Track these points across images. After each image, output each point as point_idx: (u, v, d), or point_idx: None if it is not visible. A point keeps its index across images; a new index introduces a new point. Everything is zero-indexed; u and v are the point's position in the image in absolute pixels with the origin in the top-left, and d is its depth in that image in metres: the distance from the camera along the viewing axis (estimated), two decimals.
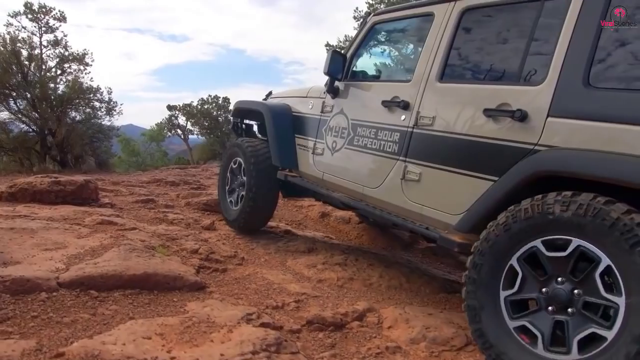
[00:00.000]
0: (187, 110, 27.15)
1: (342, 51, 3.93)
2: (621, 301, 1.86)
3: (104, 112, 13.28)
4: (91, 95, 12.80)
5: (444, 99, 2.99)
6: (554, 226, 2.08)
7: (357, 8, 14.98)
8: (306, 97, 4.40)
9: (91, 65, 12.73)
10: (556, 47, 2.37)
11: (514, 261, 2.22)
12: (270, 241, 4.56)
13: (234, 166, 4.73)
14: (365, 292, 3.51)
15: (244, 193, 4.46)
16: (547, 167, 2.25)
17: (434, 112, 2.97)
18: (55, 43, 12.58)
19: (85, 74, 12.65)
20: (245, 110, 5.06)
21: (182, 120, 30.18)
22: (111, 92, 13.00)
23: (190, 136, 31.32)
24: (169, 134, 31.99)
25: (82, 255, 3.23)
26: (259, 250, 4.29)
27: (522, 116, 2.40)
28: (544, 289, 2.14)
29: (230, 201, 4.83)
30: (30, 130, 11.36)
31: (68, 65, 12.45)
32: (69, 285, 2.72)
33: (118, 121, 13.60)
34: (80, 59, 12.56)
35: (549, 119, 2.32)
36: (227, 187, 4.89)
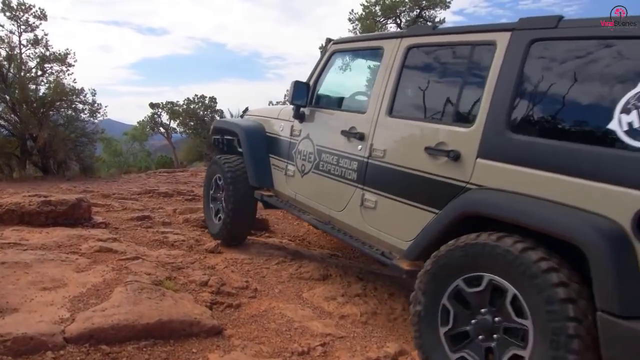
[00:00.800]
0: (171, 108, 26.50)
1: (307, 79, 4.07)
2: (529, 324, 2.08)
3: (87, 114, 12.74)
4: (74, 96, 12.25)
5: (393, 134, 3.12)
6: (468, 265, 2.31)
7: (352, 10, 14.83)
8: (277, 118, 4.51)
9: (74, 65, 12.17)
10: (484, 93, 2.52)
11: (445, 300, 2.41)
12: (280, 266, 4.30)
13: (215, 182, 4.94)
14: (391, 329, 3.29)
15: (224, 208, 4.67)
16: (471, 208, 2.44)
17: (385, 145, 3.12)
18: (36, 42, 12.00)
19: (68, 75, 12.10)
20: (222, 130, 5.22)
21: (165, 118, 29.55)
22: (95, 93, 12.47)
23: (173, 134, 30.71)
24: (152, 132, 31.30)
25: (85, 297, 2.93)
26: (271, 278, 4.03)
27: (455, 156, 2.58)
28: (472, 321, 2.31)
29: (213, 215, 5.01)
30: (10, 134, 10.82)
31: (49, 66, 11.88)
32: (77, 340, 2.43)
33: (100, 117, 12.98)
34: (62, 59, 12.00)
35: (478, 160, 2.48)
36: (210, 203, 5.07)
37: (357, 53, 4.01)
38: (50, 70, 12.04)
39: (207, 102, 24.87)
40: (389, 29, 14.85)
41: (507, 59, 2.46)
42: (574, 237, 2.00)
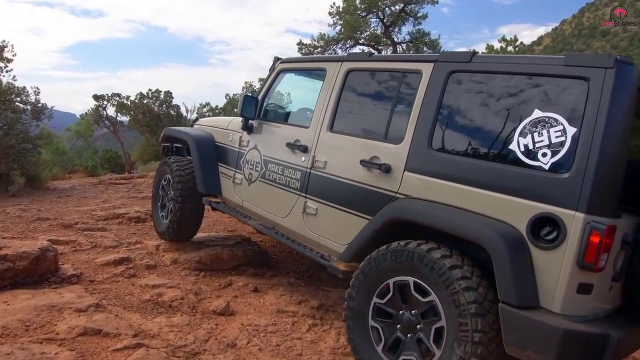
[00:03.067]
0: (120, 102, 24.51)
1: (255, 93, 4.35)
2: (443, 323, 2.38)
3: (30, 115, 11.22)
4: (13, 96, 10.72)
5: (333, 147, 3.42)
6: (396, 269, 2.58)
7: (333, 3, 13.98)
8: (227, 129, 4.72)
9: (12, 60, 10.60)
10: (411, 114, 2.87)
11: (371, 322, 2.68)
12: (314, 333, 3.49)
13: (164, 183, 5.09)
14: None
15: (172, 208, 4.83)
16: (397, 215, 2.75)
17: (326, 157, 3.42)
18: None
19: (6, 71, 10.52)
20: (172, 138, 5.38)
21: (111, 110, 27.47)
22: (39, 92, 10.96)
23: (120, 128, 28.64)
24: (97, 126, 29.10)
25: None
26: (311, 356, 3.21)
27: (387, 169, 2.90)
28: (398, 326, 2.60)
29: (162, 215, 5.13)
30: None
31: None
32: None
33: (45, 119, 11.46)
34: None
35: (405, 172, 2.83)
36: (159, 203, 5.20)
37: (302, 72, 4.31)
38: None
39: (162, 96, 23.10)
40: (370, 24, 14.16)
41: (430, 87, 2.82)
42: (480, 240, 2.33)
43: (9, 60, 10.36)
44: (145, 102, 22.99)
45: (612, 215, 2.17)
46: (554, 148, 2.26)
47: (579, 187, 2.14)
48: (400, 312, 2.59)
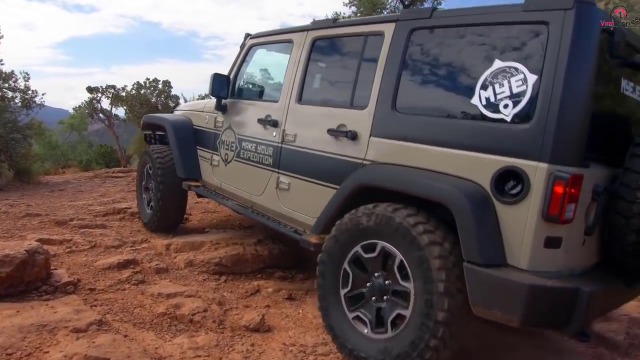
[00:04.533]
0: (116, 94, 23.54)
1: (227, 72, 4.21)
2: (411, 286, 2.34)
3: (19, 103, 10.39)
4: (1, 82, 9.89)
5: (302, 119, 3.36)
6: (365, 233, 2.55)
7: None
8: (202, 111, 4.64)
9: None
10: (375, 78, 2.81)
11: (346, 265, 2.66)
12: None
13: (147, 172, 4.99)
14: None
15: (154, 197, 4.75)
16: (363, 181, 2.71)
17: (296, 130, 3.35)
18: None
19: None
20: (152, 125, 5.20)
21: (105, 103, 26.53)
22: (28, 78, 10.16)
23: (115, 121, 27.67)
24: (91, 119, 28.15)
25: None
26: None
27: (353, 135, 2.85)
28: (367, 284, 2.58)
29: (146, 205, 5.03)
30: None
31: None
32: None
33: (36, 107, 10.60)
34: None
35: (371, 138, 2.78)
36: (143, 193, 5.10)
37: (271, 46, 4.14)
38: None
39: (160, 86, 22.13)
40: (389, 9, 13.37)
41: (392, 47, 2.75)
42: (443, 199, 2.28)
43: None
44: (142, 92, 22.06)
45: (577, 164, 2.07)
46: (515, 98, 2.18)
47: (541, 137, 2.07)
48: (376, 274, 2.55)
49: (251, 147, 3.82)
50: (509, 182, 2.14)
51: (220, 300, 3.35)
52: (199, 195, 4.74)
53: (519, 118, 2.17)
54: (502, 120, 2.21)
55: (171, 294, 3.30)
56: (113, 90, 25.26)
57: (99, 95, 26.20)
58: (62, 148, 22.56)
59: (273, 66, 4.35)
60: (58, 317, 2.70)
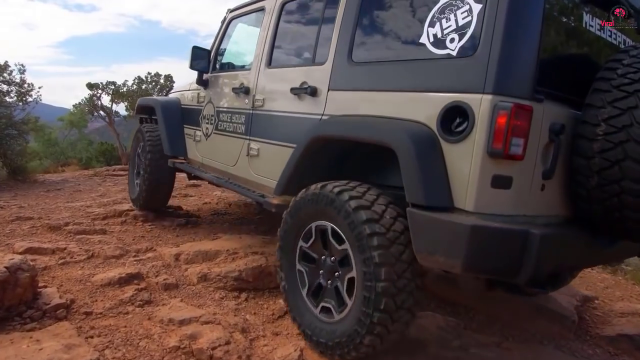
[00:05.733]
0: (116, 90, 22.94)
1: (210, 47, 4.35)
2: (347, 246, 2.29)
3: (15, 97, 9.79)
4: None
5: (270, 83, 3.43)
6: (300, 223, 2.58)
7: None
8: (189, 90, 4.72)
9: None
10: (333, 31, 2.82)
11: (298, 265, 2.64)
12: None
13: (139, 150, 5.06)
14: None
15: (142, 175, 4.86)
16: (317, 132, 2.68)
17: (264, 95, 3.43)
18: None
19: None
20: (145, 107, 5.24)
21: (105, 100, 25.95)
22: (24, 70, 9.58)
23: (115, 118, 27.05)
24: (91, 117, 27.57)
25: None
26: None
27: (312, 91, 2.86)
28: (321, 272, 2.53)
29: (136, 183, 5.09)
30: None
31: None
32: None
33: (32, 101, 9.96)
34: None
35: (330, 92, 2.78)
36: (134, 170, 5.23)
37: (248, 17, 4.14)
38: None
39: (162, 81, 21.48)
40: None
41: (348, 4, 2.75)
42: (387, 142, 2.21)
43: None
44: (143, 87, 21.44)
45: (525, 96, 1.97)
46: (461, 31, 2.12)
47: (485, 68, 1.98)
48: (322, 257, 2.52)
49: (227, 117, 3.87)
50: (456, 120, 2.04)
51: (243, 326, 2.76)
52: (190, 178, 4.97)
53: (465, 51, 2.08)
54: (448, 56, 2.14)
55: (185, 320, 2.70)
56: (113, 87, 24.71)
57: (99, 91, 25.65)
58: (61, 146, 22.00)
59: (250, 37, 4.27)
60: (44, 357, 2.11)
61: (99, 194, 6.85)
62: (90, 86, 25.40)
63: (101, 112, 26.67)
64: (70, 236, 4.27)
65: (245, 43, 4.31)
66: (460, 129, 2.02)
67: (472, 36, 2.06)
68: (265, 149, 3.33)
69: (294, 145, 2.86)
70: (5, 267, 2.53)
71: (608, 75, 2.07)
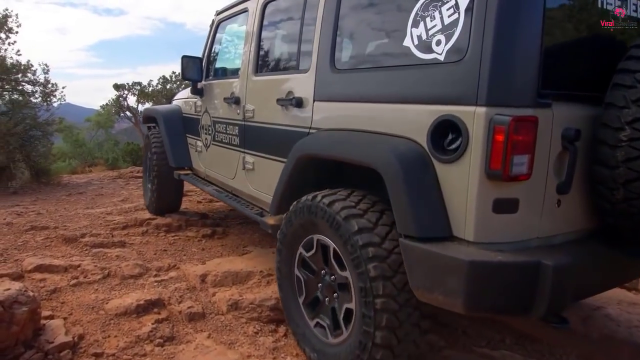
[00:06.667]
0: (142, 90, 22.86)
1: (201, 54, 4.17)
2: (348, 275, 2.03)
3: (39, 97, 9.53)
4: (19, 75, 9.05)
5: (258, 92, 3.15)
6: (300, 231, 2.31)
7: None
8: (187, 98, 4.56)
9: (16, 32, 8.92)
10: (314, 37, 2.54)
11: (296, 271, 2.41)
12: None
13: (149, 156, 5.00)
14: None
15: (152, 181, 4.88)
16: (303, 152, 2.41)
17: (253, 105, 3.16)
18: None
19: (9, 44, 8.83)
20: (149, 117, 5.09)
21: (132, 100, 25.95)
22: (48, 70, 9.28)
23: (141, 118, 27.00)
24: (117, 117, 27.64)
25: None
26: None
27: (298, 102, 2.60)
28: (319, 285, 2.30)
29: (149, 187, 5.04)
30: None
31: None
32: None
33: (56, 102, 9.69)
34: (0, 23, 8.76)
35: (315, 103, 2.50)
36: (147, 175, 5.17)
37: (234, 19, 3.88)
38: None
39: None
40: None
41: (327, 3, 2.48)
42: (372, 163, 1.94)
43: (10, 30, 8.63)
44: (168, 87, 21.26)
45: (526, 104, 1.63)
46: (448, 31, 1.78)
47: (476, 74, 1.65)
48: (323, 271, 2.26)
49: (223, 128, 3.67)
50: (448, 135, 1.76)
51: None
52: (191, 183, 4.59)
53: (453, 54, 1.77)
54: (435, 61, 1.84)
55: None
56: (139, 87, 24.66)
57: (126, 92, 25.66)
58: (88, 146, 21.98)
59: (237, 40, 4.05)
60: None
61: (121, 198, 6.46)
62: (116, 87, 25.44)
63: (127, 113, 26.72)
64: (86, 250, 3.84)
65: (234, 47, 4.12)
66: (453, 146, 1.73)
67: (460, 37, 1.74)
68: (260, 163, 3.11)
69: (285, 160, 2.63)
70: None
71: (632, 66, 1.71)
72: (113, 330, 2.55)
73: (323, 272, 2.26)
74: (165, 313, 2.79)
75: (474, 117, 1.65)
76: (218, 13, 4.10)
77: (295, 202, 2.34)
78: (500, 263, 1.61)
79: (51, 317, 2.59)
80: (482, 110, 1.63)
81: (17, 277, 3.16)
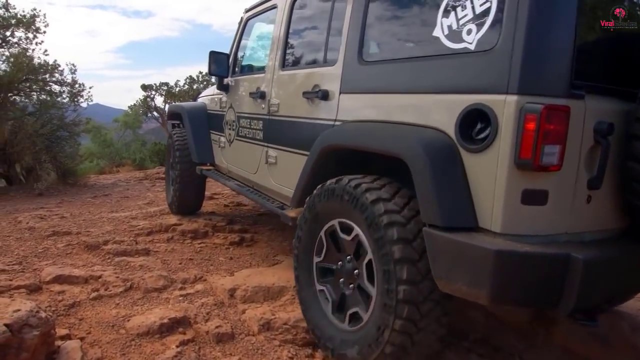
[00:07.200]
0: (169, 90, 22.97)
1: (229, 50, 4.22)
2: (371, 259, 2.00)
3: (67, 97, 9.49)
4: (47, 75, 9.01)
5: (284, 86, 3.19)
6: (324, 214, 2.31)
7: None
8: (213, 95, 4.62)
9: (44, 32, 8.89)
10: (343, 30, 2.56)
11: (322, 234, 2.36)
12: None
13: (172, 155, 5.00)
14: None
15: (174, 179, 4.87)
16: (327, 142, 2.43)
17: (279, 99, 3.20)
18: None
19: (36, 44, 8.79)
20: (175, 113, 5.15)
21: (159, 101, 26.13)
22: (75, 70, 9.22)
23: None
24: (145, 117, 27.89)
25: None
26: None
27: (324, 95, 2.62)
28: (339, 263, 2.28)
29: (171, 187, 5.02)
30: None
31: (10, 33, 8.58)
32: None
33: (84, 102, 9.64)
34: (28, 23, 8.73)
35: (341, 95, 2.52)
36: (169, 174, 5.18)
37: (263, 16, 3.90)
38: (12, 40, 8.71)
39: (213, 79, 21.27)
40: None
41: None
42: (398, 153, 1.94)
43: (37, 30, 8.58)
44: (195, 87, 21.27)
45: (559, 94, 1.63)
46: (479, 20, 1.78)
47: (508, 62, 1.64)
48: (348, 257, 2.22)
49: (247, 123, 3.70)
50: (477, 125, 1.73)
51: None
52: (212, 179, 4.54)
53: (484, 44, 1.74)
54: (466, 51, 1.81)
55: None
56: (166, 87, 24.79)
57: (153, 92, 25.85)
58: (116, 146, 22.18)
59: (266, 37, 4.09)
60: None
61: (146, 201, 6.28)
62: (144, 87, 25.66)
63: (154, 113, 26.91)
64: (109, 258, 3.63)
65: (262, 44, 4.18)
66: (482, 136, 1.72)
67: (492, 25, 1.73)
68: (283, 157, 3.14)
69: (308, 153, 2.65)
70: (7, 325, 1.85)
71: None
72: (134, 354, 2.30)
73: (348, 258, 2.23)
74: (191, 333, 2.53)
75: (504, 106, 1.64)
76: (247, 10, 4.11)
77: (319, 186, 2.33)
78: (528, 253, 1.59)
79: (68, 337, 2.36)
80: (513, 98, 1.62)
81: (35, 289, 2.95)
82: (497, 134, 1.66)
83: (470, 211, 1.74)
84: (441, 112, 1.88)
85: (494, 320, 3.07)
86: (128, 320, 2.62)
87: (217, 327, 2.58)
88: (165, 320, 2.56)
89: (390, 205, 1.93)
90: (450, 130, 1.82)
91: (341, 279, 2.28)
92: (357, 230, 2.10)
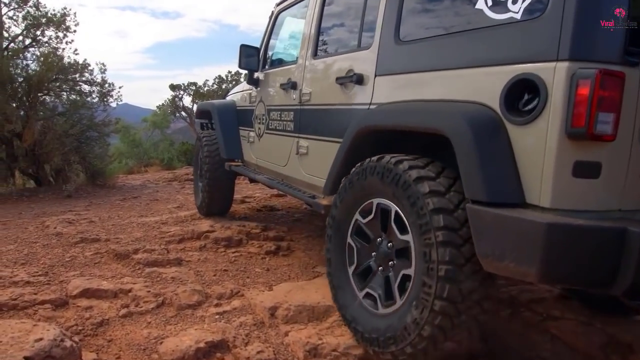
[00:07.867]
0: (197, 90, 23.04)
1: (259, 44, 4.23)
2: (409, 238, 1.97)
3: (97, 97, 9.42)
4: (77, 75, 8.94)
5: (316, 75, 3.18)
6: (360, 195, 2.27)
7: None
8: (242, 91, 4.70)
9: (74, 31, 8.82)
10: (378, 11, 2.53)
11: (349, 239, 2.38)
12: None
13: (200, 157, 4.96)
14: None
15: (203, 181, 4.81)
16: (363, 124, 2.39)
17: (311, 88, 3.19)
18: (23, 0, 8.67)
19: (66, 43, 8.74)
20: (204, 111, 5.16)
21: (187, 101, 26.29)
22: (105, 70, 9.14)
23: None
24: (173, 117, 28.10)
25: None
26: None
27: (358, 79, 2.59)
28: (373, 254, 2.27)
29: (200, 189, 4.98)
30: None
31: (40, 32, 8.53)
32: None
33: (113, 102, 9.58)
34: (58, 22, 8.67)
35: (377, 78, 2.48)
36: (198, 175, 5.16)
37: (294, 8, 3.91)
38: (42, 39, 8.67)
39: (241, 79, 21.18)
40: None
41: None
42: (440, 128, 1.89)
43: (68, 29, 8.51)
44: (223, 87, 21.23)
45: (614, 60, 1.54)
46: None
47: (558, 28, 1.57)
48: (379, 238, 2.22)
49: (277, 115, 3.69)
50: (524, 96, 1.66)
51: None
52: (252, 181, 4.49)
53: (531, 11, 1.68)
54: (511, 20, 1.76)
55: None
56: (194, 87, 24.89)
57: (181, 92, 25.99)
58: (144, 146, 22.33)
59: (296, 29, 4.02)
60: None
61: (176, 204, 6.09)
62: (172, 87, 25.82)
63: (182, 113, 27.07)
64: (139, 269, 3.39)
65: (293, 36, 4.13)
66: (529, 107, 1.65)
67: None
68: (315, 146, 3.12)
69: (341, 140, 2.62)
70: (26, 358, 1.59)
71: None
72: None
73: (379, 239, 2.22)
74: (229, 359, 2.26)
75: (554, 73, 1.57)
76: (278, 4, 4.13)
77: (358, 164, 2.28)
78: (582, 227, 1.52)
79: None
80: (563, 65, 1.55)
81: (61, 304, 2.73)
82: (546, 103, 1.59)
83: (517, 186, 1.68)
84: (484, 85, 1.82)
85: (559, 344, 2.73)
86: (161, 343, 2.37)
87: (258, 352, 2.31)
88: (202, 345, 2.29)
89: (435, 185, 1.87)
90: (495, 103, 1.76)
91: (380, 268, 2.24)
92: (396, 209, 2.05)
